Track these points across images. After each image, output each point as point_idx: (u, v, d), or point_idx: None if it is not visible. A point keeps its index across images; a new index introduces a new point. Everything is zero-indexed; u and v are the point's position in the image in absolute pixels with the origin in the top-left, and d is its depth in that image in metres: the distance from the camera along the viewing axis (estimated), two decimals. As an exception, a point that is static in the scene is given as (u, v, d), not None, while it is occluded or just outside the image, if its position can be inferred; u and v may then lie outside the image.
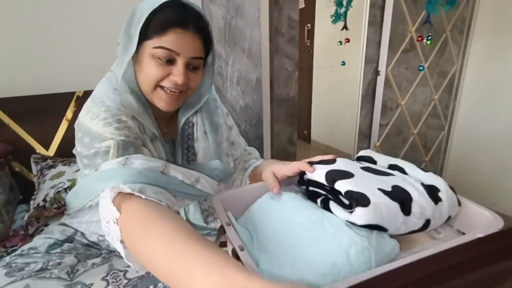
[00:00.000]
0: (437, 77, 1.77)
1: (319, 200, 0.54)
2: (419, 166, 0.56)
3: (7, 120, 1.01)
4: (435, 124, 1.88)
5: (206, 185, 0.62)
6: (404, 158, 1.90)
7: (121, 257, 0.72)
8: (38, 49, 1.07)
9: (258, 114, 1.39)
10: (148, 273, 0.65)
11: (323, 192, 0.54)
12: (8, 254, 0.75)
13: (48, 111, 1.06)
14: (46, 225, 0.86)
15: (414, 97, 1.74)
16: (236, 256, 0.45)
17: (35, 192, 0.94)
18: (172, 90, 0.59)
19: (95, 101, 0.61)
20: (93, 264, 0.70)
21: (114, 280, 0.65)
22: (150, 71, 0.58)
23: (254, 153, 0.84)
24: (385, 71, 1.60)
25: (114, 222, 0.44)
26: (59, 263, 0.70)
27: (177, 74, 0.57)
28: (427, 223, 0.48)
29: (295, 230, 0.48)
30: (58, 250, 0.74)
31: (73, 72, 1.12)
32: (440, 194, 0.50)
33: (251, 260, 0.40)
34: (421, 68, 1.64)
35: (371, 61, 1.62)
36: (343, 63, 1.88)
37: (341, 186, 0.49)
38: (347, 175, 0.51)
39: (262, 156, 1.48)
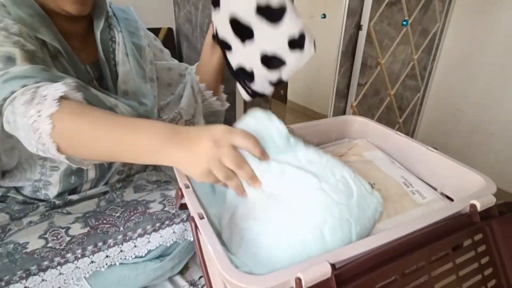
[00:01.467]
0: (418, 36, 1.70)
1: None
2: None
3: None
4: (412, 85, 1.85)
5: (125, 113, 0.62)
6: (379, 119, 1.87)
7: (64, 214, 0.64)
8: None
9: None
10: (95, 228, 0.61)
11: None
12: None
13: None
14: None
15: (394, 56, 1.68)
16: (195, 224, 0.37)
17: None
18: None
19: None
20: (30, 222, 0.62)
21: (55, 238, 0.58)
22: None
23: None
24: (367, 25, 1.50)
25: (47, 116, 0.42)
26: None
27: None
28: None
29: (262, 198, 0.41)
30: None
31: None
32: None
33: (211, 230, 0.33)
34: (404, 22, 1.56)
35: (354, 13, 1.51)
36: (324, 16, 1.75)
37: None
38: None
39: (234, 112, 1.38)
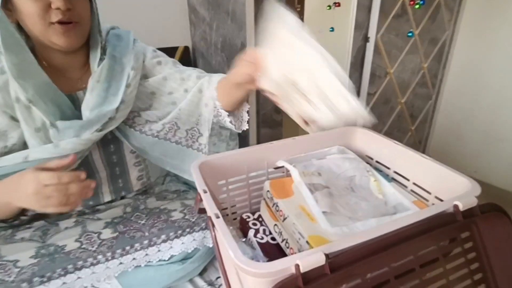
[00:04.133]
0: (427, 45, 1.73)
1: None
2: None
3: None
4: (423, 93, 1.87)
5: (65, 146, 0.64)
6: (390, 127, 1.89)
7: (94, 220, 0.72)
8: None
9: (243, 81, 1.35)
10: (123, 233, 0.69)
11: None
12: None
13: None
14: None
15: (403, 65, 1.71)
16: (212, 223, 0.44)
17: None
18: (63, 21, 0.61)
19: None
20: (66, 227, 0.70)
21: (88, 241, 0.66)
22: (28, 9, 0.59)
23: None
24: (375, 37, 1.55)
25: None
26: (29, 227, 0.69)
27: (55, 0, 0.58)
28: None
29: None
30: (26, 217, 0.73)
31: None
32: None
33: (226, 226, 0.39)
34: (410, 34, 1.60)
35: (361, 26, 1.56)
36: (332, 29, 1.81)
37: None
38: None
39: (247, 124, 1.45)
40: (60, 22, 0.61)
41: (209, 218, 0.44)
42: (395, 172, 0.62)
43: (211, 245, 0.73)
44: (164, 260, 0.70)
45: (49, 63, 0.69)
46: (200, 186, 0.49)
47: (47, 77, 0.64)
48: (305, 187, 0.53)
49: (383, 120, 1.79)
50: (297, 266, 0.33)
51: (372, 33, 1.56)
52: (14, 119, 0.65)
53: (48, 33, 0.61)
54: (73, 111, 0.68)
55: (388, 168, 0.64)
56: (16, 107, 0.63)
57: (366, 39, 1.59)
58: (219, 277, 0.77)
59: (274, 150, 0.65)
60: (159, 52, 0.84)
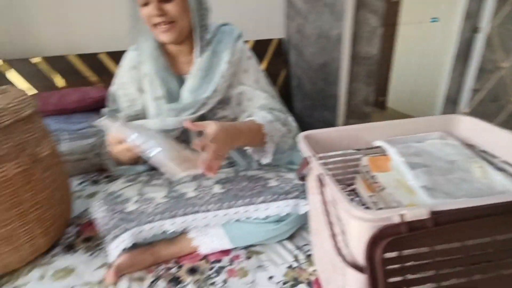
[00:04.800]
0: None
1: None
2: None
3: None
4: (544, 92, 1.62)
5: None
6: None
7: (206, 178, 0.87)
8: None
9: (336, 71, 1.38)
10: (229, 190, 0.83)
11: None
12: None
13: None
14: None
15: (521, 59, 1.52)
16: (320, 181, 0.51)
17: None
18: (160, 22, 0.78)
19: None
20: (184, 181, 0.87)
21: (202, 193, 0.82)
22: (142, 16, 0.79)
23: (276, 119, 0.85)
24: (486, 27, 1.41)
25: None
26: (159, 178, 0.90)
27: (150, 8, 0.76)
28: None
29: None
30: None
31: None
32: None
33: (334, 183, 0.47)
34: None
35: (471, 16, 1.44)
36: (435, 19, 1.70)
37: None
38: None
39: (334, 114, 1.48)
40: (159, 23, 0.78)
41: (317, 177, 0.51)
42: (504, 162, 0.60)
43: (301, 212, 0.81)
44: (261, 219, 0.81)
45: (166, 50, 0.88)
46: (307, 152, 0.58)
47: (164, 60, 0.87)
48: (404, 164, 0.56)
49: (489, 119, 1.62)
50: (402, 215, 0.38)
51: (483, 23, 1.42)
52: (140, 90, 0.90)
53: (155, 32, 0.81)
54: (177, 89, 0.88)
55: (496, 157, 0.62)
56: (143, 81, 0.88)
57: (475, 29, 1.46)
58: (305, 244, 0.85)
59: (372, 131, 0.70)
60: (252, 60, 0.92)
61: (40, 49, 1.46)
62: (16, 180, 0.73)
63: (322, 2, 1.38)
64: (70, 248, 0.88)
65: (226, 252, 0.84)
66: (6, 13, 1.38)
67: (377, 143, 0.67)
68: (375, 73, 1.42)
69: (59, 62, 1.44)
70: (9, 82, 1.39)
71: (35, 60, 1.41)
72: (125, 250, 0.76)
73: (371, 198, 0.60)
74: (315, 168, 0.53)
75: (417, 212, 0.38)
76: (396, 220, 0.39)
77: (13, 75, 1.39)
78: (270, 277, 0.76)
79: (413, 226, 0.38)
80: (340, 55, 1.33)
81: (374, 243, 0.41)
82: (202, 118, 0.86)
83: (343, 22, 1.28)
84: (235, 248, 0.84)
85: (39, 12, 1.42)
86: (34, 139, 0.79)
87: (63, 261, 0.84)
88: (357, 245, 0.45)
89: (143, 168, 0.96)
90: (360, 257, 0.46)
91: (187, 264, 0.81)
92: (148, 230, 0.76)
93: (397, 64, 2.45)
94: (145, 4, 0.77)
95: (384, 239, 0.40)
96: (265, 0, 1.72)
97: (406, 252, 0.42)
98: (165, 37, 0.81)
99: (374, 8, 1.29)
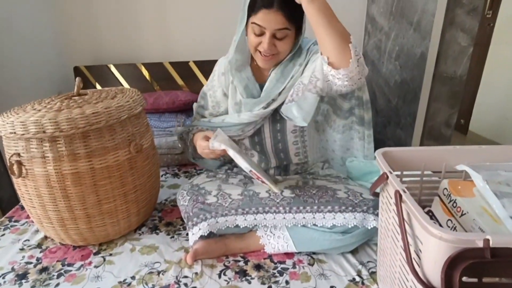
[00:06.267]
0: None
1: None
2: None
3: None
4: None
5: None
6: None
7: (281, 182, 0.93)
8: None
9: (415, 90, 1.34)
10: (299, 196, 0.88)
11: None
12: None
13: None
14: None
15: None
16: (397, 198, 0.53)
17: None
18: (264, 53, 0.86)
19: None
20: (257, 183, 0.94)
21: (274, 195, 0.88)
22: (250, 39, 0.87)
23: None
24: None
25: None
26: (235, 177, 0.99)
27: (264, 43, 0.83)
28: None
29: None
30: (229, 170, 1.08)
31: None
32: None
33: (413, 200, 0.48)
34: None
35: None
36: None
37: None
38: None
39: (408, 133, 1.42)
40: (264, 51, 0.85)
41: (396, 192, 0.53)
42: None
43: (369, 227, 0.82)
44: (327, 228, 0.84)
45: (254, 62, 0.96)
46: (385, 168, 0.60)
47: (251, 71, 0.96)
48: (491, 192, 0.54)
49: None
50: (486, 240, 0.39)
51: None
52: (225, 95, 1.02)
53: (254, 54, 0.90)
54: (259, 95, 0.96)
55: None
56: (229, 87, 0.99)
57: None
58: (370, 261, 0.85)
59: (454, 154, 0.68)
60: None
61: (142, 56, 1.74)
62: (124, 165, 0.89)
63: (407, 20, 1.36)
64: (154, 229, 1.02)
65: (290, 255, 0.88)
66: (118, 28, 1.72)
67: (461, 167, 0.65)
68: (460, 94, 1.33)
69: (156, 68, 1.68)
70: (118, 83, 1.68)
71: (138, 65, 1.67)
72: (201, 238, 0.85)
73: (449, 222, 0.59)
74: (394, 184, 0.55)
75: (503, 239, 0.38)
76: (479, 244, 0.39)
77: (119, 77, 1.68)
78: (332, 287, 0.78)
79: (496, 253, 0.38)
80: (422, 73, 1.29)
81: (452, 264, 0.41)
82: (274, 112, 0.95)
83: (429, 41, 1.25)
84: (299, 253, 0.88)
85: (145, 27, 1.72)
86: (140, 132, 0.94)
87: (149, 239, 0.97)
88: (432, 266, 0.45)
89: (218, 163, 1.13)
90: (433, 278, 0.46)
91: (253, 260, 0.87)
92: (223, 222, 0.85)
93: (484, 86, 2.23)
94: (260, 34, 0.83)
95: (464, 262, 0.40)
96: (348, 16, 1.74)
97: (486, 280, 0.41)
98: (264, 65, 0.91)
99: (466, 26, 1.22)
